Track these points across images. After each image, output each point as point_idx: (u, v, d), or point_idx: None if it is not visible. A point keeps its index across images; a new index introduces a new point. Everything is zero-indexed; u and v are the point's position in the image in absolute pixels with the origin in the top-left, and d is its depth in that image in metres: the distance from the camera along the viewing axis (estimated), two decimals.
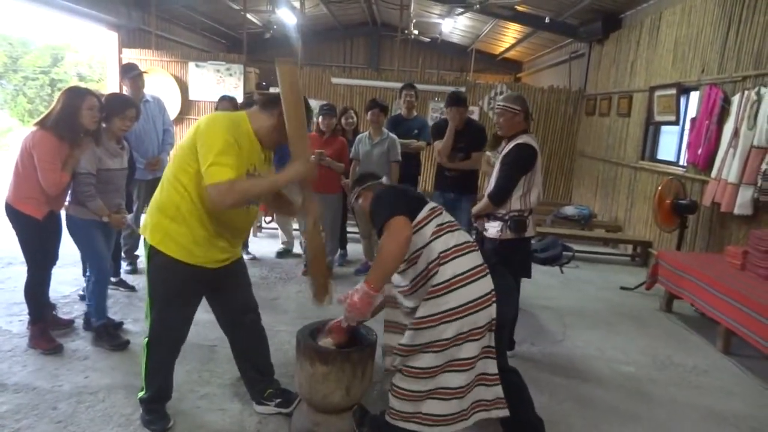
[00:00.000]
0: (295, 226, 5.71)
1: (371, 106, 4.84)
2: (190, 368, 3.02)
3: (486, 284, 2.09)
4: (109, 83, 9.12)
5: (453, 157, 4.43)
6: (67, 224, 3.25)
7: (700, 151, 5.08)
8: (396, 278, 2.26)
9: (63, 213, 3.28)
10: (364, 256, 5.18)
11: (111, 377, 2.90)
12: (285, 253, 5.55)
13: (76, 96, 2.99)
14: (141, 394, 2.48)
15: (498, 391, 2.15)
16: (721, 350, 3.80)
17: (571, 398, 3.02)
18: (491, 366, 2.13)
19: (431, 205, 2.20)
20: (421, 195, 2.23)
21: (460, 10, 9.06)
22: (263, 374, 2.69)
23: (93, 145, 3.12)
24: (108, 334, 3.26)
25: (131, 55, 8.50)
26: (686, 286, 4.16)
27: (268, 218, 6.38)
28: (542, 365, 3.40)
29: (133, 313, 3.73)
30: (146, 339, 2.39)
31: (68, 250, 3.45)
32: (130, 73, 4.62)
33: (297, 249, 5.56)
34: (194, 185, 2.17)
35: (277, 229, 5.83)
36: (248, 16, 10.29)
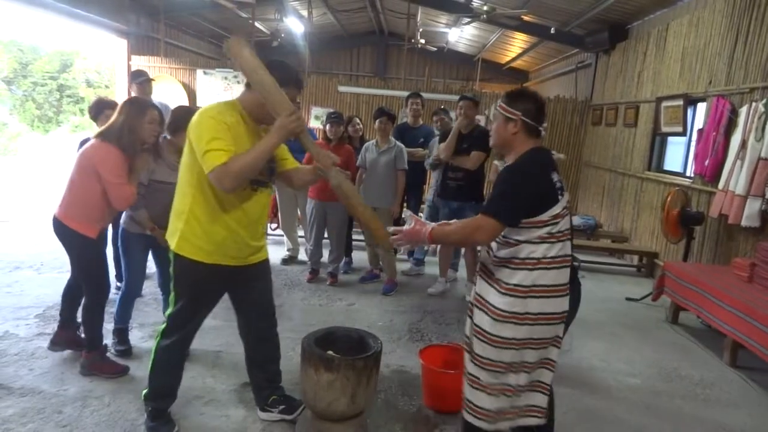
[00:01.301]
0: (300, 233, 5.72)
1: (379, 114, 4.86)
2: (194, 374, 3.02)
3: (564, 303, 2.05)
4: (117, 90, 9.21)
5: (454, 157, 4.51)
6: (120, 235, 3.23)
7: (707, 163, 5.06)
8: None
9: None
10: (369, 263, 5.18)
11: (116, 382, 2.90)
12: (290, 260, 5.57)
13: (138, 108, 2.92)
14: (145, 391, 2.49)
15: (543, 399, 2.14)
16: (728, 363, 3.77)
17: (575, 409, 3.00)
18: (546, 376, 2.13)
19: (556, 210, 1.97)
20: (554, 193, 1.97)
21: (467, 19, 9.10)
22: (271, 381, 2.70)
23: (150, 157, 3.06)
24: (118, 339, 3.27)
25: (140, 62, 8.59)
26: (693, 297, 4.14)
27: (274, 225, 6.42)
28: None
29: (139, 318, 3.74)
30: (162, 328, 2.42)
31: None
32: (138, 78, 4.70)
33: (302, 256, 5.57)
34: (202, 183, 2.22)
35: (282, 236, 5.84)
36: (256, 24, 10.37)
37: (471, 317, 2.16)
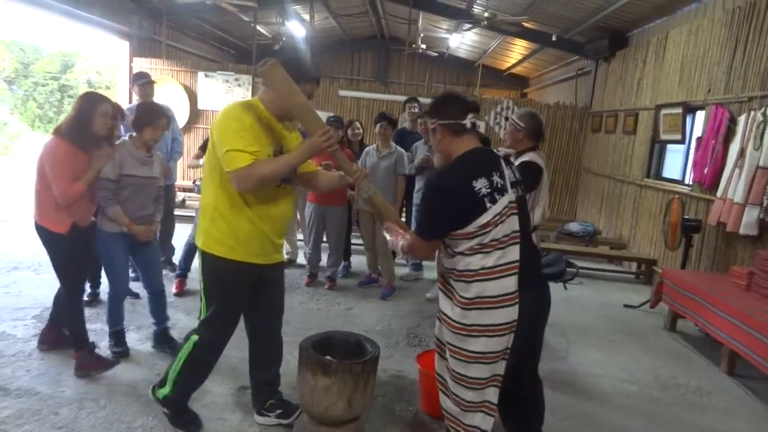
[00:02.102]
0: (299, 236, 5.72)
1: (380, 119, 4.87)
2: None
3: (512, 313, 1.96)
4: (119, 91, 9.22)
5: None
6: (97, 236, 3.14)
7: (706, 171, 5.08)
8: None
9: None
10: (368, 267, 5.18)
11: (112, 384, 2.90)
12: (288, 263, 5.56)
13: (90, 101, 2.93)
14: (164, 391, 2.48)
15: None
16: (725, 371, 3.77)
17: (573, 415, 3.00)
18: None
19: (485, 219, 1.90)
20: (479, 202, 1.90)
21: (468, 25, 9.14)
22: (271, 385, 2.70)
23: (114, 151, 3.03)
24: (115, 341, 3.27)
25: (142, 64, 8.61)
26: (690, 305, 4.14)
27: None
28: (544, 382, 3.32)
29: (136, 320, 3.74)
30: (196, 337, 2.41)
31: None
32: (140, 80, 4.71)
33: (301, 259, 5.56)
34: (224, 181, 2.25)
35: None
36: (258, 27, 10.39)
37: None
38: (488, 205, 1.90)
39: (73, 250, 2.97)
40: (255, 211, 2.30)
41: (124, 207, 3.08)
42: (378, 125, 4.83)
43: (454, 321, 2.00)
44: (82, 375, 2.95)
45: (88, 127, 2.89)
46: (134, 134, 3.16)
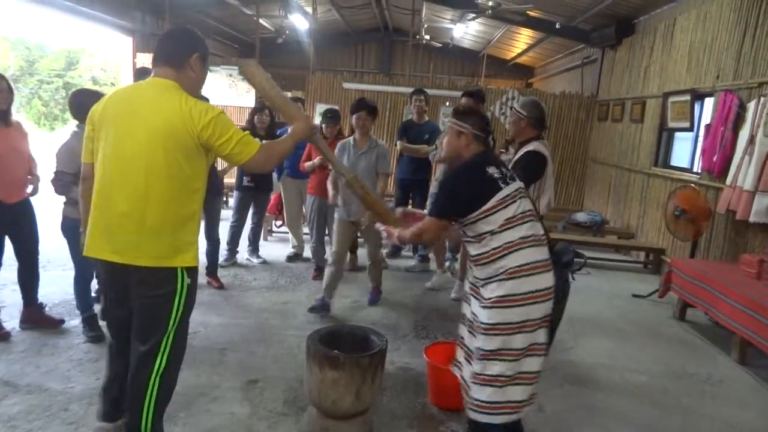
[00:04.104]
0: (305, 230, 5.71)
1: (357, 107, 4.08)
2: (200, 372, 3.02)
3: (548, 279, 2.10)
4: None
5: None
6: (60, 223, 3.31)
7: (715, 158, 5.02)
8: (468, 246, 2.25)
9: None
10: (369, 278, 4.47)
11: None
12: (295, 257, 5.56)
13: None
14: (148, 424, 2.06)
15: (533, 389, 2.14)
16: (736, 360, 3.74)
17: (582, 406, 2.98)
18: (534, 364, 2.10)
19: (503, 193, 2.08)
20: (494, 183, 2.09)
21: (472, 15, 9.06)
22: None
23: (72, 141, 3.13)
24: (88, 326, 3.38)
25: (146, 60, 8.60)
26: (700, 294, 4.11)
27: (279, 222, 6.42)
28: (553, 372, 3.36)
29: None
30: (160, 371, 2.04)
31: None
32: (143, 75, 4.69)
33: (307, 253, 5.56)
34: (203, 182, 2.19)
35: (287, 233, 5.84)
36: (261, 21, 10.36)
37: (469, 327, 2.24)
38: (501, 184, 2.11)
39: None
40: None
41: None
42: (354, 116, 4.05)
43: (492, 297, 2.07)
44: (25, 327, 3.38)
45: None
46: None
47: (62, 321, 3.56)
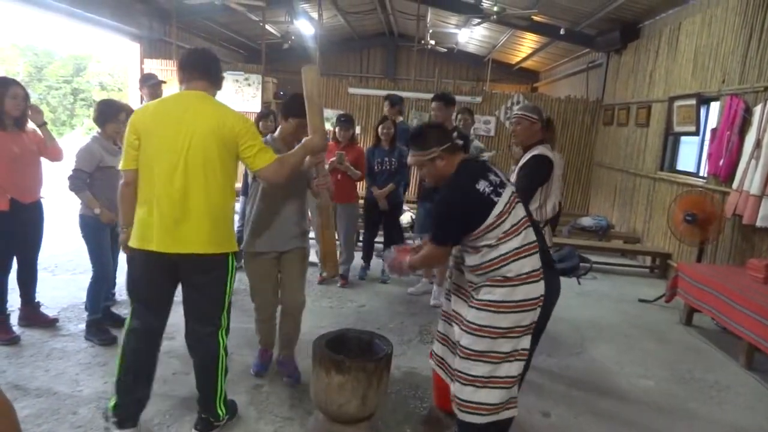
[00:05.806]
0: (311, 235, 5.71)
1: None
2: None
3: (539, 288, 2.17)
4: (130, 92, 9.31)
5: None
6: (79, 223, 3.40)
7: (721, 162, 5.01)
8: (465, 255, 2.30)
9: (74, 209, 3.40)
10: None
11: None
12: None
13: (1, 86, 3.18)
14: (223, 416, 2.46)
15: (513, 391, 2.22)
16: (743, 365, 3.73)
17: (588, 411, 2.98)
18: (512, 369, 2.17)
19: (499, 209, 2.11)
20: (488, 200, 2.10)
21: (477, 20, 9.08)
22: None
23: (92, 144, 3.35)
24: (97, 330, 3.41)
25: (152, 66, 8.67)
26: (707, 299, 4.09)
27: None
28: (559, 377, 3.36)
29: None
30: (224, 344, 2.42)
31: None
32: (149, 81, 4.76)
33: (313, 258, 5.56)
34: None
35: None
36: (267, 27, 10.43)
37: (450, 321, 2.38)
38: (495, 199, 2.12)
39: (11, 227, 3.26)
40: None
41: (99, 194, 3.33)
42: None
43: (484, 300, 2.15)
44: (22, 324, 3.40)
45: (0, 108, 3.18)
46: (98, 131, 3.43)
47: (56, 320, 3.63)
